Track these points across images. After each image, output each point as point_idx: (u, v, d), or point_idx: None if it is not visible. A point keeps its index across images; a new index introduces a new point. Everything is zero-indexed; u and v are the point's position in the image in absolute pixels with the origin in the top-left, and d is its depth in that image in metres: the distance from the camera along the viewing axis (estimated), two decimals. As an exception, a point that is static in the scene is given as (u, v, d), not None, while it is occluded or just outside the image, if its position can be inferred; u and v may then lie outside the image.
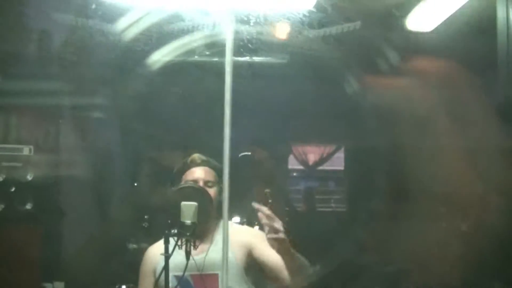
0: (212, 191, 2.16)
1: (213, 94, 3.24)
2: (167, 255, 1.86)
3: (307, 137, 4.50)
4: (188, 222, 1.86)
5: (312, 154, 4.94)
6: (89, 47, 2.77)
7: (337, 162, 4.83)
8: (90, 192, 3.41)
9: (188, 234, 1.87)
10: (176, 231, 1.94)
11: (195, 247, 1.98)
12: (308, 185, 4.97)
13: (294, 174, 4.99)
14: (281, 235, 1.98)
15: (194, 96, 3.36)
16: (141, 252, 3.22)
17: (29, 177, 3.22)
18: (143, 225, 3.41)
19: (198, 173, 2.25)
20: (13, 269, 3.06)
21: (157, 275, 2.13)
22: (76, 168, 3.34)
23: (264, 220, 1.98)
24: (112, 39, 2.70)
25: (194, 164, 2.28)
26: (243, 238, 2.23)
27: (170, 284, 1.92)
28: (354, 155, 4.54)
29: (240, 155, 3.00)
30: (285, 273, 2.09)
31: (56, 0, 2.60)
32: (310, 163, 4.93)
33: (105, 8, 2.66)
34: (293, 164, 4.72)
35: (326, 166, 4.95)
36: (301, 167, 4.91)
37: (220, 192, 2.19)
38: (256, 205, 1.97)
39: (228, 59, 1.72)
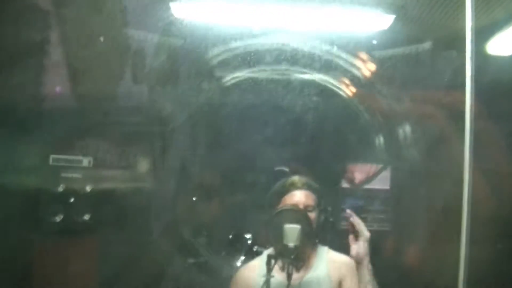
0: (311, 215, 2.22)
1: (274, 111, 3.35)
2: (268, 277, 1.93)
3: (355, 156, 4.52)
4: (291, 244, 1.94)
5: (359, 172, 4.91)
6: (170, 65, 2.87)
7: (383, 182, 4.85)
8: (149, 205, 3.48)
9: (292, 257, 1.94)
10: (274, 252, 2.00)
11: (298, 270, 2.06)
12: (354, 204, 4.93)
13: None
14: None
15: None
16: (199, 267, 3.34)
17: (88, 189, 3.31)
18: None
19: (299, 197, 2.32)
20: (71, 281, 3.17)
21: (251, 298, 2.18)
22: (136, 181, 3.41)
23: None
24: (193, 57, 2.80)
25: (294, 187, 2.34)
26: (340, 268, 2.33)
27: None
28: (400, 175, 4.57)
29: (275, 169, 3.05)
30: None
31: (141, 19, 2.70)
32: (357, 181, 4.93)
33: (186, 27, 2.76)
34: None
35: (371, 185, 4.91)
36: (347, 185, 4.93)
37: (319, 216, 2.26)
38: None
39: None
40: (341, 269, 2.31)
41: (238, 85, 3.22)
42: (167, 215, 3.59)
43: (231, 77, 3.21)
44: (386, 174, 4.85)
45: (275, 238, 2.03)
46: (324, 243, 2.42)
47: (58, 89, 3.13)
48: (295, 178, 2.37)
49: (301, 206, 2.28)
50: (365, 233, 2.15)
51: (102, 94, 3.05)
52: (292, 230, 1.98)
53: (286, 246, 1.98)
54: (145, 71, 3.02)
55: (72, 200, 3.28)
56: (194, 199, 3.63)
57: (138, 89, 3.21)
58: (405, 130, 3.87)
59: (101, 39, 2.76)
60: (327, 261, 2.31)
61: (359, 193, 4.82)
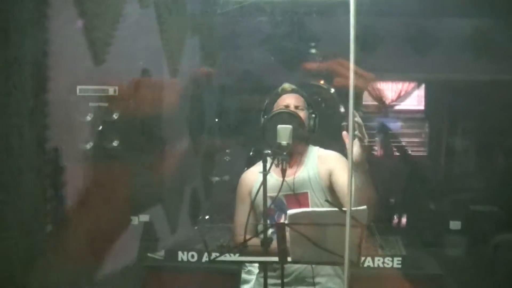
0: (302, 114, 2.63)
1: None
2: (265, 173, 2.31)
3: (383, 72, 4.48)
4: (284, 143, 2.32)
5: (389, 91, 4.85)
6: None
7: (417, 101, 4.85)
8: (175, 129, 3.83)
9: (284, 153, 2.31)
10: (271, 152, 2.37)
11: (291, 167, 2.43)
12: (384, 126, 4.83)
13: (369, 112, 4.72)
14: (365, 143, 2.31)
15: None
16: (222, 185, 3.73)
17: (115, 116, 3.70)
18: (225, 158, 3.87)
19: (289, 99, 2.73)
20: (103, 204, 3.58)
21: (253, 194, 2.59)
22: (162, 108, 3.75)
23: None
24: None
25: (285, 92, 2.77)
26: (328, 162, 2.71)
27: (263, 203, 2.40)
28: (435, 93, 4.69)
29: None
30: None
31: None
32: (387, 101, 4.88)
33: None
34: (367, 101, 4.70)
35: (404, 105, 4.89)
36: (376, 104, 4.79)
37: (308, 117, 2.63)
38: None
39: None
40: (329, 162, 2.70)
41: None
42: (194, 138, 3.93)
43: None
44: (420, 93, 4.84)
45: (270, 138, 2.41)
46: (315, 143, 2.79)
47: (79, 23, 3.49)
48: (285, 84, 2.77)
49: (292, 107, 2.69)
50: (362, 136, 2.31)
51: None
52: (284, 130, 2.36)
53: (280, 144, 2.35)
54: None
55: (100, 128, 3.68)
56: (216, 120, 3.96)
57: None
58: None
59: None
60: (317, 157, 2.70)
61: (389, 113, 4.89)
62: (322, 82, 2.87)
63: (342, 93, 2.52)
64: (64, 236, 3.55)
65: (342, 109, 3.33)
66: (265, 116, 2.68)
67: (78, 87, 3.57)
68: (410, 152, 4.77)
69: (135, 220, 3.87)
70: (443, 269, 3.61)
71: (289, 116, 2.48)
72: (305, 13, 3.51)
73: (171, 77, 3.77)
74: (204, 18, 3.58)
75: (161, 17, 3.53)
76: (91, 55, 3.44)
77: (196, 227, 3.99)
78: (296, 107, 2.70)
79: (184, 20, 3.62)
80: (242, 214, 2.74)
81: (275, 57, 3.78)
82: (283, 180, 2.43)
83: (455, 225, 3.91)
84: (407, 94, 4.83)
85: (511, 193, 3.84)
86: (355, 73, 2.37)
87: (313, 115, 2.74)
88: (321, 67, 2.71)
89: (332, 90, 2.70)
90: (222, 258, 2.31)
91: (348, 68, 2.28)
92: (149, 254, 3.78)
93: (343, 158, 2.68)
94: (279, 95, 2.78)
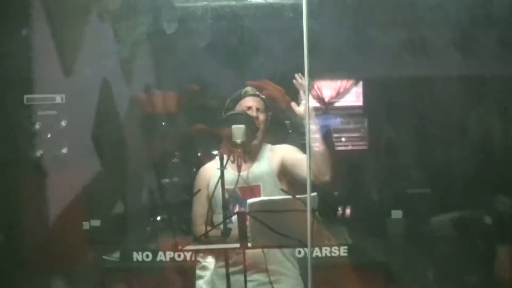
0: (262, 116, 3.00)
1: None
2: (222, 168, 2.63)
3: (323, 72, 4.79)
4: (238, 141, 2.64)
5: (328, 89, 5.17)
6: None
7: (356, 98, 5.13)
8: (122, 134, 4.05)
9: (239, 150, 2.63)
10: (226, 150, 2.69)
11: (246, 162, 2.76)
12: (325, 123, 4.91)
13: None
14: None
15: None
16: (173, 186, 3.95)
17: (63, 124, 3.89)
18: (173, 161, 4.09)
19: (251, 102, 3.05)
20: (55, 210, 3.78)
21: (210, 188, 2.90)
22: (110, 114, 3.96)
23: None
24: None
25: (248, 94, 3.08)
26: (279, 152, 3.07)
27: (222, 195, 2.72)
28: (373, 90, 5.02)
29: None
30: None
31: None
32: (326, 99, 5.17)
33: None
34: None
35: (343, 103, 5.18)
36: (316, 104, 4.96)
37: (267, 119, 3.01)
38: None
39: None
40: (280, 151, 3.06)
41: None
42: (140, 142, 4.13)
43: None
44: (358, 90, 5.17)
45: (226, 136, 2.73)
46: (270, 141, 3.14)
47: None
48: (248, 87, 3.10)
49: (254, 109, 3.01)
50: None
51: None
52: (238, 129, 2.69)
53: (235, 142, 2.68)
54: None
55: (49, 136, 3.86)
56: (163, 123, 4.14)
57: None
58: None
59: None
60: (269, 152, 3.04)
61: (329, 111, 5.18)
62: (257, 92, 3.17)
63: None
64: (16, 244, 3.73)
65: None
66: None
67: (25, 96, 3.77)
68: (351, 147, 5.09)
69: (86, 225, 4.02)
70: (387, 256, 3.95)
71: (242, 117, 2.82)
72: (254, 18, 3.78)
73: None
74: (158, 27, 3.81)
75: (116, 29, 3.75)
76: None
77: (148, 228, 4.18)
78: (258, 109, 3.02)
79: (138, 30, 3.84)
80: (200, 206, 3.04)
81: (224, 62, 4.04)
82: (239, 174, 2.75)
83: (396, 214, 4.28)
84: (346, 91, 5.10)
85: (445, 179, 4.23)
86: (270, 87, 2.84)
87: (269, 117, 3.08)
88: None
89: (263, 97, 3.05)
90: (188, 247, 2.59)
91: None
92: (104, 257, 3.92)
93: (292, 146, 3.07)
94: (242, 97, 3.08)
